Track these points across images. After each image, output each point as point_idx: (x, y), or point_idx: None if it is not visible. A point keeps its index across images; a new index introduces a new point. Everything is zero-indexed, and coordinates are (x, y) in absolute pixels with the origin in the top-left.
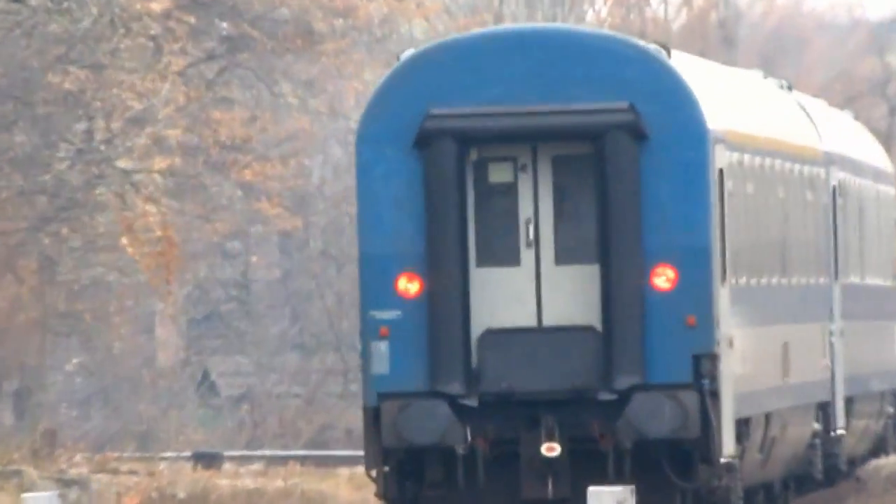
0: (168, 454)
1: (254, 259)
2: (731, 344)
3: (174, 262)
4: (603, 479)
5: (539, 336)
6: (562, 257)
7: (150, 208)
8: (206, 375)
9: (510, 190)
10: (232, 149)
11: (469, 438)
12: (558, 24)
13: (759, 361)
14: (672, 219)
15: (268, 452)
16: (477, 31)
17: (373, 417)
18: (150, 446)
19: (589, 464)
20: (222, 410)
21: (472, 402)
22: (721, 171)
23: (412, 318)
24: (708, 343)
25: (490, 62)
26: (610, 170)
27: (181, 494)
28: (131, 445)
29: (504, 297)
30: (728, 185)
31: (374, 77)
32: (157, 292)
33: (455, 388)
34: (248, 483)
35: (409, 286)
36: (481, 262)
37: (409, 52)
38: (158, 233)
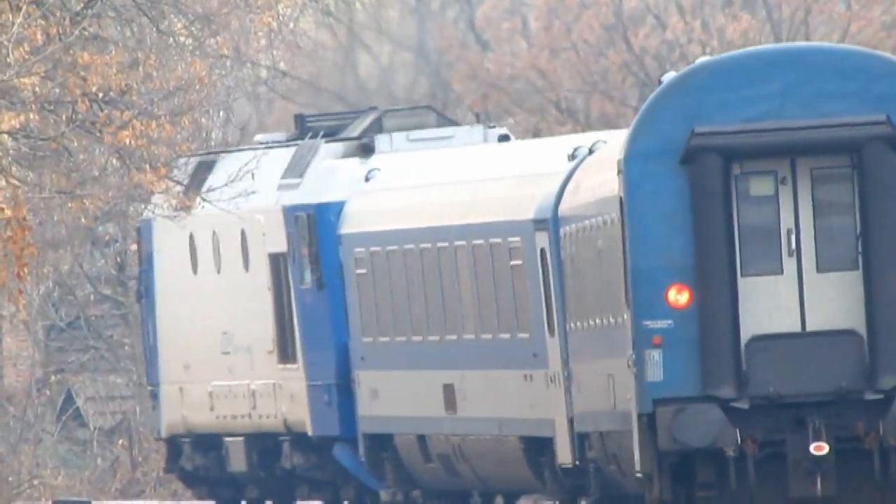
0: None
1: (133, 248)
2: None
3: (28, 252)
4: (869, 478)
5: (803, 341)
6: (822, 265)
7: None
8: (69, 400)
9: (771, 202)
10: (105, 103)
11: (739, 440)
12: (813, 42)
13: None
14: None
15: None
16: (736, 52)
17: (648, 423)
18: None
19: (855, 463)
20: (90, 446)
21: (744, 404)
22: None
23: (683, 327)
24: None
25: (749, 81)
26: (869, 181)
27: None
28: None
29: (768, 305)
30: None
31: (291, 10)
32: (4, 291)
33: (727, 392)
34: None
35: (678, 297)
36: (746, 271)
37: (671, 75)
38: (7, 212)
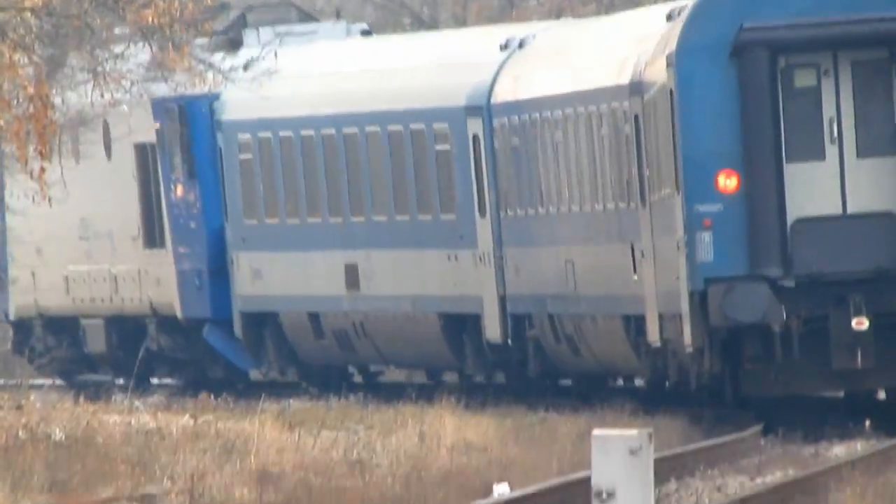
0: (40, 381)
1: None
2: None
3: (50, 129)
4: None
5: (845, 222)
6: (862, 151)
7: (19, 58)
8: None
9: (814, 92)
10: None
11: (785, 317)
12: None
13: None
14: None
15: (171, 381)
16: None
17: (699, 300)
18: (15, 371)
19: (893, 337)
20: None
21: (789, 283)
22: None
23: (732, 211)
24: None
25: None
26: None
27: (58, 435)
28: None
29: (811, 189)
30: None
31: None
32: (27, 171)
33: (774, 271)
34: (147, 421)
35: (727, 182)
36: (790, 158)
37: None
38: (30, 89)
